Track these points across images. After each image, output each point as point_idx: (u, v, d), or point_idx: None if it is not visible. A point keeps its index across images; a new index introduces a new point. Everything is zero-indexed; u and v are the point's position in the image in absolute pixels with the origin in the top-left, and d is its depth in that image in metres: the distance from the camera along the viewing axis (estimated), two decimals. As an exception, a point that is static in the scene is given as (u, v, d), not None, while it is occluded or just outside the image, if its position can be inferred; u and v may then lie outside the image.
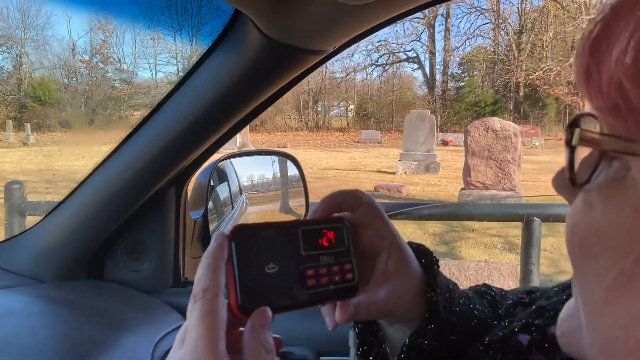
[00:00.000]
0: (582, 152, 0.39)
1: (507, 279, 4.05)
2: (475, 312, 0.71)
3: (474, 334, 0.68)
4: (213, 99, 1.08)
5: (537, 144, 25.09)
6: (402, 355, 0.66)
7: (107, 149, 1.22)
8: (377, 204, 0.67)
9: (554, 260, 6.48)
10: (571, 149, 0.37)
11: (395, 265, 0.65)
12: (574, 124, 0.36)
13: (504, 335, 0.64)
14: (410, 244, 0.71)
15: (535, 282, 3.29)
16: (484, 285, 0.81)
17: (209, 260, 0.50)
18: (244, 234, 0.54)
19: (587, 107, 0.36)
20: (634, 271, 0.32)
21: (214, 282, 0.49)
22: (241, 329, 0.50)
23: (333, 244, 0.62)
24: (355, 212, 0.66)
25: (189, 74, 1.10)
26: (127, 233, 1.33)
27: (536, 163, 17.75)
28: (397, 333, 0.71)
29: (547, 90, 32.10)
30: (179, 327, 1.19)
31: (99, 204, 1.23)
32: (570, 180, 0.38)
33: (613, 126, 0.33)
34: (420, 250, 0.71)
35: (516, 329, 0.63)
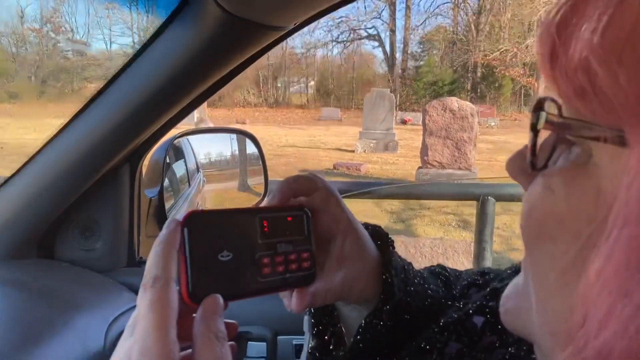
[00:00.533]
0: (540, 137, 0.38)
1: (461, 256, 4.15)
2: (430, 291, 0.72)
3: (428, 313, 0.69)
4: (169, 74, 1.04)
5: (493, 123, 25.57)
6: (358, 337, 0.66)
7: (59, 122, 1.18)
8: (332, 187, 0.67)
9: (506, 238, 6.67)
10: (535, 133, 0.36)
11: (350, 249, 0.65)
12: (538, 108, 0.36)
13: (459, 317, 0.65)
14: (366, 225, 0.71)
15: (488, 259, 3.38)
16: (439, 265, 0.82)
17: (160, 248, 0.49)
18: (198, 220, 0.52)
19: (550, 92, 0.35)
20: (585, 255, 0.32)
21: (165, 270, 0.47)
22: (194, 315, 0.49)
23: (292, 232, 0.61)
24: (310, 196, 0.65)
25: (145, 47, 1.06)
26: (79, 211, 1.28)
27: (491, 143, 18.11)
28: (353, 312, 0.71)
29: (503, 71, 32.66)
30: (134, 307, 1.17)
31: (50, 180, 1.19)
32: (531, 164, 0.37)
33: (578, 110, 0.32)
34: (376, 232, 0.71)
35: (470, 311, 0.64)
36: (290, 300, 0.63)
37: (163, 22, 1.02)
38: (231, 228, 0.55)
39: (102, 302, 1.15)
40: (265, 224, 0.58)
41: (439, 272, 0.79)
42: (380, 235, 0.71)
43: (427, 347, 0.63)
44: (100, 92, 1.12)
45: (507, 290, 0.45)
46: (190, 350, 0.47)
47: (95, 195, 1.27)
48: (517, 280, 0.43)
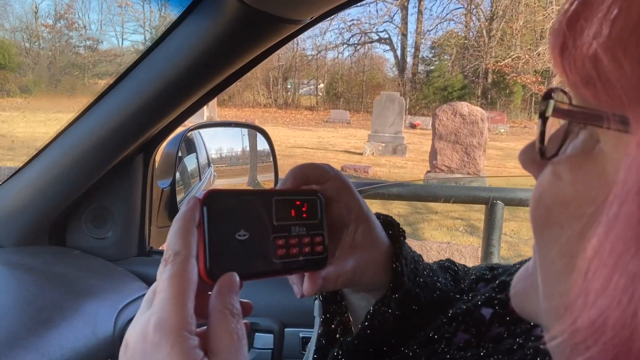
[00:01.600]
0: (551, 127, 0.39)
1: (468, 261, 4.14)
2: (438, 284, 0.72)
3: (436, 306, 0.69)
4: (184, 66, 1.05)
5: (503, 130, 25.47)
6: (366, 323, 0.67)
7: (68, 116, 1.19)
8: (344, 177, 0.68)
9: (513, 245, 6.64)
10: (544, 120, 0.38)
11: (362, 237, 0.66)
12: (547, 96, 0.37)
13: (467, 309, 0.65)
14: (378, 215, 0.72)
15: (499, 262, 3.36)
16: (448, 260, 0.82)
17: (180, 224, 0.50)
18: (216, 199, 0.53)
19: (561, 83, 0.37)
20: (586, 234, 0.33)
21: (185, 246, 0.48)
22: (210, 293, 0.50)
23: (306, 216, 0.62)
24: (323, 185, 0.66)
25: (161, 39, 1.07)
26: (91, 200, 1.30)
27: (501, 149, 18.06)
28: (361, 301, 0.72)
29: (515, 78, 32.59)
30: (143, 295, 1.18)
31: (63, 169, 1.20)
32: (540, 152, 0.38)
33: (585, 99, 0.33)
34: (388, 222, 0.73)
35: (479, 303, 0.65)
36: (300, 286, 0.64)
37: (180, 14, 1.03)
38: (248, 208, 0.56)
39: (112, 289, 1.16)
40: (281, 207, 0.59)
41: (447, 267, 0.79)
42: (392, 225, 0.72)
43: (436, 336, 0.64)
44: (115, 83, 1.14)
45: (518, 273, 0.46)
46: (205, 327, 0.48)
47: (108, 184, 1.28)
48: (528, 264, 0.44)
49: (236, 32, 0.97)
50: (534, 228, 0.41)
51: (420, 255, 0.75)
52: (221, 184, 1.98)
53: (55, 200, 1.25)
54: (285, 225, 0.59)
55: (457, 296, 0.71)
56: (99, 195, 1.30)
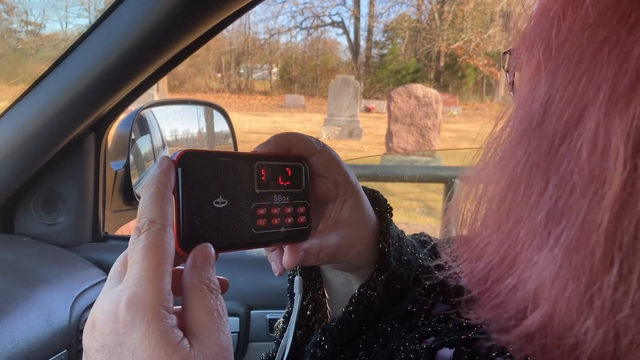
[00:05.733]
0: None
1: (426, 240, 4.19)
2: (420, 260, 0.70)
3: (418, 282, 0.67)
4: (133, 41, 1.00)
5: (455, 112, 25.84)
6: (351, 308, 0.64)
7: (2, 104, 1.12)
8: (332, 150, 0.64)
9: (470, 223, 6.76)
10: (507, 73, 0.45)
11: (349, 212, 0.63)
12: (505, 53, 0.45)
13: (444, 279, 0.63)
14: (365, 189, 0.69)
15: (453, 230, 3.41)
16: (422, 234, 0.81)
17: (154, 189, 0.45)
18: (192, 161, 0.48)
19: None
20: None
21: (161, 213, 0.44)
22: (182, 267, 0.46)
23: (289, 184, 0.58)
24: (309, 159, 0.62)
25: (107, 13, 1.01)
26: (40, 183, 1.23)
27: (454, 131, 18.33)
28: (339, 278, 0.69)
29: (467, 61, 33.09)
30: (100, 282, 1.13)
31: (7, 152, 1.12)
32: (514, 99, 0.43)
33: (523, 52, 0.39)
34: (374, 197, 0.69)
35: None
36: (279, 263, 0.60)
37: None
38: (228, 173, 0.51)
39: (66, 277, 1.10)
40: (263, 173, 0.55)
41: (424, 240, 0.77)
42: (378, 201, 0.69)
43: (414, 309, 0.61)
44: (62, 59, 1.07)
45: None
46: (181, 306, 0.44)
47: (58, 167, 1.21)
48: None
49: (187, 3, 0.92)
50: None
51: (402, 231, 0.72)
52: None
53: (1, 185, 1.17)
54: (267, 194, 0.55)
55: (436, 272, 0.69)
56: (49, 179, 1.23)
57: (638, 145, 0.29)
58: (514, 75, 0.45)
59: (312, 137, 0.63)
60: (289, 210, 0.57)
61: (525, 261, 0.34)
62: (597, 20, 0.31)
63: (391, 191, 8.35)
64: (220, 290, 0.45)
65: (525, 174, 0.34)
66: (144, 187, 0.46)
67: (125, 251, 0.44)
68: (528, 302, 0.34)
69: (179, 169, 0.47)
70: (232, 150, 1.68)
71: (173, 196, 0.46)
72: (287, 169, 0.58)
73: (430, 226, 4.62)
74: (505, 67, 0.46)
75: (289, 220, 0.57)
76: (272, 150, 0.59)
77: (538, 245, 0.33)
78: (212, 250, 0.47)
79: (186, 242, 0.46)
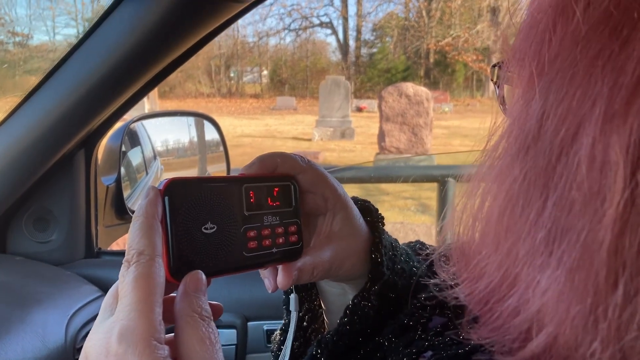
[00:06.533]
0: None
1: (422, 240, 4.19)
2: (414, 269, 0.70)
3: (412, 291, 0.67)
4: (124, 53, 0.99)
5: (447, 109, 25.87)
6: (345, 319, 0.63)
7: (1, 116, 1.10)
8: (318, 166, 0.63)
9: (464, 220, 6.77)
10: (496, 86, 0.44)
11: (340, 225, 0.63)
12: (494, 65, 0.44)
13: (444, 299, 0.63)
14: (355, 200, 0.68)
15: (449, 240, 3.41)
16: (418, 241, 0.80)
17: (141, 220, 0.45)
18: (179, 189, 0.48)
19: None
20: None
21: (150, 244, 0.43)
22: (173, 294, 0.46)
23: (279, 203, 0.57)
24: (295, 177, 0.61)
25: (96, 26, 1.00)
26: (31, 201, 1.22)
27: (446, 128, 18.36)
28: (335, 289, 0.69)
29: (456, 57, 33.16)
30: (95, 299, 1.12)
31: (-2, 170, 1.12)
32: (504, 112, 0.43)
33: (514, 66, 0.39)
34: (365, 207, 0.69)
35: (452, 284, 0.63)
36: (272, 280, 0.59)
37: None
38: (216, 198, 0.51)
39: (60, 295, 1.09)
40: (252, 195, 0.54)
41: (419, 248, 0.77)
42: (369, 211, 0.68)
43: (410, 323, 0.61)
44: (49, 76, 1.06)
45: None
46: (173, 334, 0.43)
47: (48, 184, 1.20)
48: None
49: (177, 14, 0.92)
50: None
51: (396, 240, 0.72)
52: (170, 176, 1.91)
53: (-9, 204, 1.16)
54: (256, 215, 0.54)
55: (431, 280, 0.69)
56: (39, 196, 1.22)
57: (638, 160, 0.28)
58: (503, 88, 0.45)
59: (296, 154, 0.63)
60: (280, 230, 0.57)
61: (526, 281, 0.33)
62: (588, 34, 0.31)
63: (385, 190, 8.37)
64: (212, 318, 0.44)
65: (522, 191, 0.34)
66: (133, 218, 0.46)
67: (117, 283, 0.44)
68: (531, 323, 0.33)
69: (166, 198, 0.47)
70: (224, 158, 1.68)
71: (161, 225, 0.46)
72: (276, 189, 0.57)
73: (425, 225, 4.62)
74: (495, 80, 0.45)
75: (281, 241, 0.57)
76: (257, 171, 0.59)
77: (539, 265, 0.32)
78: (203, 277, 0.46)
79: (177, 270, 0.46)
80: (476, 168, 0.41)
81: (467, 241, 0.41)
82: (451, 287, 0.54)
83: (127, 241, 0.44)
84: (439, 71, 38.40)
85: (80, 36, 1.02)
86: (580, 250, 0.30)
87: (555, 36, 0.33)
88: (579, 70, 0.31)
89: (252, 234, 0.53)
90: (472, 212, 0.40)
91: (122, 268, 0.43)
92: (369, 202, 0.70)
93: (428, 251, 0.77)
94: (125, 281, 0.42)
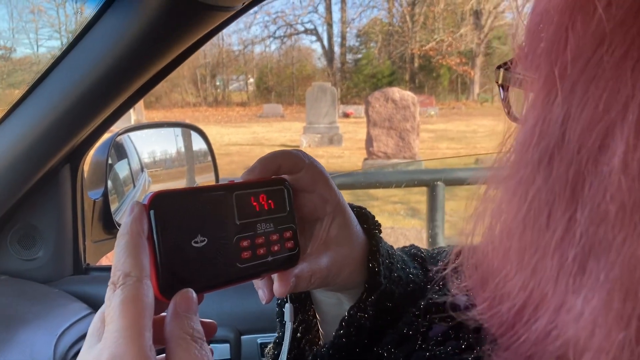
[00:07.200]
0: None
1: (414, 244, 4.18)
2: (411, 276, 0.68)
3: (409, 299, 0.65)
4: (109, 65, 0.97)
5: (433, 112, 25.96)
6: (341, 331, 0.62)
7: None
8: (320, 165, 0.61)
9: (454, 223, 6.78)
10: (501, 88, 0.43)
11: (338, 231, 0.61)
12: (499, 67, 0.42)
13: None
14: (351, 206, 0.66)
15: (441, 244, 3.42)
16: (412, 246, 0.78)
17: (126, 239, 0.42)
18: (165, 203, 0.45)
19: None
20: None
21: (136, 265, 0.41)
22: (164, 314, 0.44)
23: (272, 209, 0.55)
24: (297, 174, 0.59)
25: (80, 37, 0.98)
26: (16, 219, 1.19)
27: (432, 131, 18.44)
28: (330, 299, 0.67)
29: (440, 61, 33.41)
30: (84, 317, 1.09)
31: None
32: (508, 115, 0.42)
33: (526, 68, 0.37)
34: (362, 214, 0.67)
35: (449, 287, 0.61)
36: (266, 290, 0.57)
37: (98, 9, 0.94)
38: (205, 209, 0.48)
39: (48, 314, 1.07)
40: (243, 203, 0.52)
41: (414, 254, 0.75)
42: (366, 218, 0.66)
43: (410, 332, 0.59)
44: (33, 88, 1.03)
45: None
46: (164, 355, 0.41)
47: (33, 200, 1.18)
48: None
49: (162, 24, 0.90)
50: None
51: (392, 246, 0.70)
52: (158, 188, 1.89)
53: (-26, 223, 1.14)
54: (249, 223, 0.52)
55: (428, 286, 0.67)
56: (25, 213, 1.19)
57: None
58: (507, 89, 0.43)
59: (298, 151, 0.61)
60: (275, 237, 0.55)
61: (556, 303, 0.30)
62: (613, 32, 0.29)
63: (374, 195, 8.37)
64: (205, 338, 0.42)
65: (547, 202, 0.31)
66: (117, 236, 0.43)
67: (104, 306, 0.42)
68: (564, 349, 0.30)
69: (151, 212, 0.44)
70: (212, 168, 1.66)
71: (148, 242, 0.43)
72: (269, 194, 0.55)
73: (415, 228, 4.63)
74: (500, 81, 0.43)
75: (276, 248, 0.54)
76: (259, 174, 0.57)
77: (571, 285, 0.29)
78: (194, 295, 0.44)
79: (166, 288, 0.44)
80: (489, 176, 0.38)
81: (482, 256, 0.38)
82: (467, 307, 0.52)
83: (112, 262, 0.42)
84: (424, 75, 38.59)
85: (64, 48, 1.00)
86: (619, 268, 0.27)
87: (573, 35, 0.31)
88: (604, 72, 0.29)
89: (245, 243, 0.51)
90: (488, 225, 0.37)
91: (107, 291, 0.41)
92: (365, 208, 0.68)
93: (423, 255, 0.75)
94: (111, 305, 0.39)
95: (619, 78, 0.28)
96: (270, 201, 0.55)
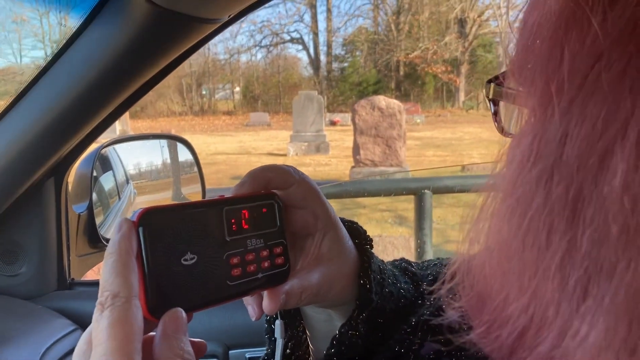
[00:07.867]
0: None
1: (401, 252, 4.18)
2: (402, 291, 0.67)
3: (401, 314, 0.64)
4: (94, 76, 0.96)
5: (419, 120, 26.08)
6: (332, 350, 0.60)
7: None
8: (311, 180, 0.60)
9: (441, 231, 6.80)
10: (492, 102, 0.43)
11: (329, 247, 0.60)
12: (490, 81, 0.42)
13: (431, 314, 0.60)
14: (342, 220, 0.65)
15: (429, 252, 3.42)
16: (403, 260, 0.78)
17: (114, 257, 0.41)
18: (154, 219, 0.44)
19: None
20: None
21: (125, 284, 0.40)
22: (153, 333, 0.42)
23: (262, 224, 0.54)
24: (287, 190, 0.58)
25: (63, 50, 0.97)
26: (-2, 234, 1.17)
27: (419, 139, 18.54)
28: (320, 315, 0.66)
29: (426, 69, 33.67)
30: (69, 333, 1.07)
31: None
32: (498, 129, 0.42)
33: (520, 83, 0.36)
34: (353, 229, 0.66)
35: (443, 307, 0.61)
36: (256, 307, 0.56)
37: (83, 21, 0.93)
38: (194, 225, 0.47)
39: (32, 331, 1.04)
40: (232, 218, 0.51)
41: (405, 268, 0.74)
42: (358, 233, 0.66)
43: (402, 350, 0.58)
44: (15, 101, 1.02)
45: None
46: None
47: (16, 215, 1.16)
48: None
49: (148, 36, 0.89)
50: None
51: (382, 261, 0.69)
52: (143, 200, 1.87)
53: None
54: (239, 240, 0.51)
55: (419, 301, 0.67)
56: (7, 229, 1.16)
57: None
58: (498, 104, 0.43)
59: (289, 167, 0.60)
60: (265, 253, 0.54)
61: (559, 328, 0.30)
62: (610, 48, 0.28)
63: (362, 203, 8.38)
64: (195, 359, 0.41)
65: (546, 222, 0.30)
66: (105, 255, 0.42)
67: (90, 327, 0.40)
68: None
69: (140, 230, 0.43)
70: (198, 179, 1.65)
71: (137, 260, 0.42)
72: (259, 210, 0.54)
73: (403, 236, 4.63)
74: (490, 96, 0.42)
75: (266, 264, 0.53)
76: (250, 188, 0.56)
77: (575, 309, 0.29)
78: (183, 315, 0.43)
79: (155, 307, 0.43)
80: (485, 192, 0.37)
81: (480, 276, 0.37)
82: (464, 329, 0.51)
83: (100, 281, 0.41)
84: (409, 83, 38.85)
85: (48, 58, 0.99)
86: (624, 292, 0.26)
87: (569, 50, 0.30)
88: (602, 88, 0.28)
89: (235, 260, 0.50)
90: (485, 243, 0.36)
91: (95, 312, 0.39)
92: (357, 223, 0.68)
93: (413, 269, 0.75)
94: (99, 327, 0.38)
95: (617, 96, 0.27)
96: (260, 216, 0.54)
